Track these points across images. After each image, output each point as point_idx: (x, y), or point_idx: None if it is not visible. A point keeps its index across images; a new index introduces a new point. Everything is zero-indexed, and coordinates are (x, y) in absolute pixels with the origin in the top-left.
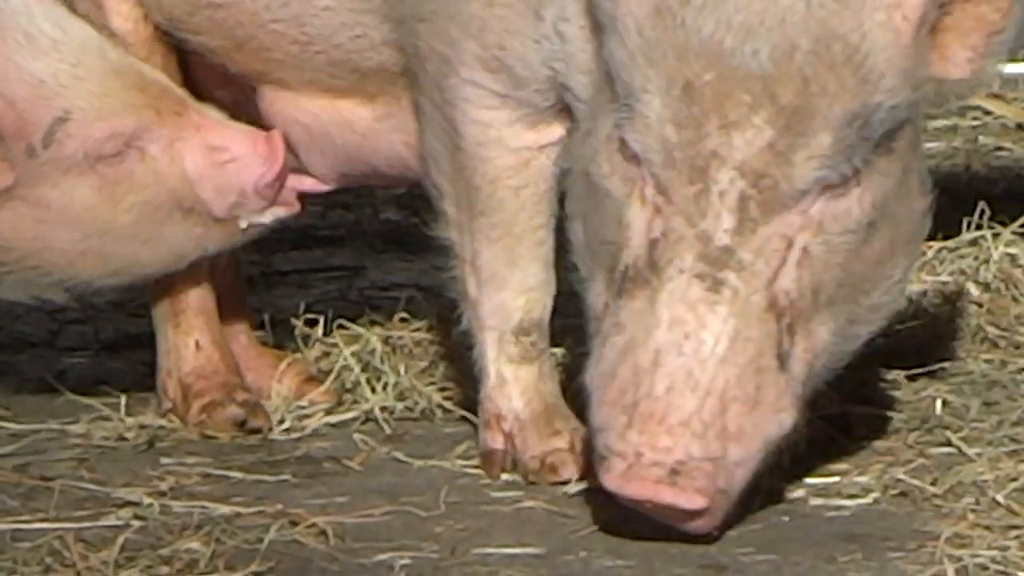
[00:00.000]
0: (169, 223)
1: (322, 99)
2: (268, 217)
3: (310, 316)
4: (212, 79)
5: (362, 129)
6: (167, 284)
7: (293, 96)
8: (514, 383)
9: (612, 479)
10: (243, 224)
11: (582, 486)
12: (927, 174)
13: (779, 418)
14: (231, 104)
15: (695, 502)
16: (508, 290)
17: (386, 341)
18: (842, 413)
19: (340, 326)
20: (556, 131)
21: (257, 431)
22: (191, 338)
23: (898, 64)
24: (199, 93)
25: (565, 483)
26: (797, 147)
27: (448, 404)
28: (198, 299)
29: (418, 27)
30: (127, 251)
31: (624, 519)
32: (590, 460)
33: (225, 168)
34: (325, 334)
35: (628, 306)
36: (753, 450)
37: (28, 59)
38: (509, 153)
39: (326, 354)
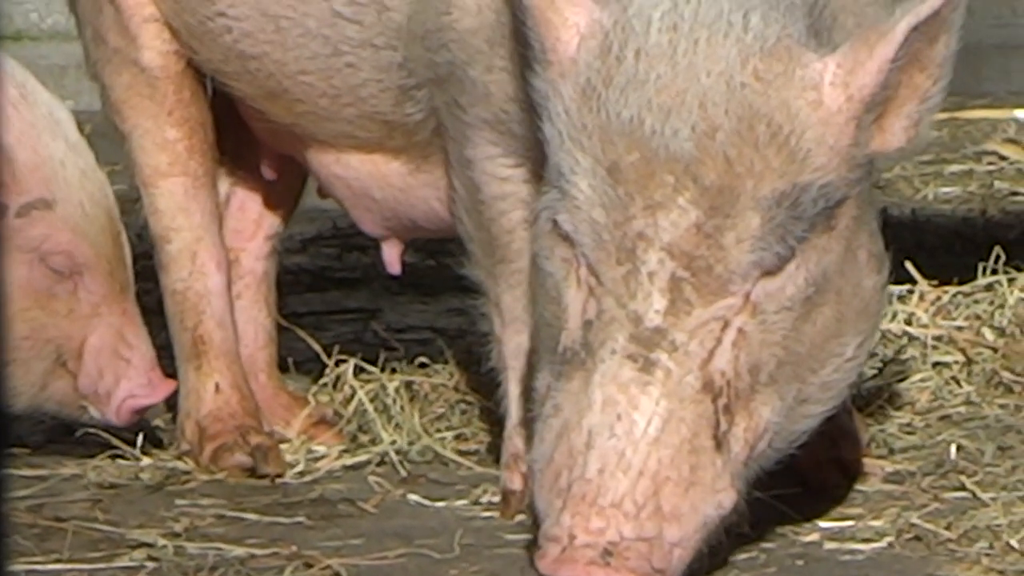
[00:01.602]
0: (42, 359)
1: (360, 154)
2: (98, 415)
3: (326, 358)
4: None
5: (398, 183)
6: (189, 324)
7: (334, 152)
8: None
9: (546, 564)
10: (87, 409)
11: None
12: (883, 250)
13: (717, 498)
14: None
15: None
16: (528, 333)
17: (402, 384)
18: (856, 458)
19: (356, 368)
20: None
21: (267, 476)
22: (211, 380)
23: (828, 142)
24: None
25: None
26: (725, 228)
27: (463, 447)
28: (220, 340)
29: (435, 90)
30: None
31: None
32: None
33: (117, 362)
34: (340, 377)
35: (565, 388)
36: (690, 530)
37: (48, 136)
38: (526, 207)
39: (341, 397)
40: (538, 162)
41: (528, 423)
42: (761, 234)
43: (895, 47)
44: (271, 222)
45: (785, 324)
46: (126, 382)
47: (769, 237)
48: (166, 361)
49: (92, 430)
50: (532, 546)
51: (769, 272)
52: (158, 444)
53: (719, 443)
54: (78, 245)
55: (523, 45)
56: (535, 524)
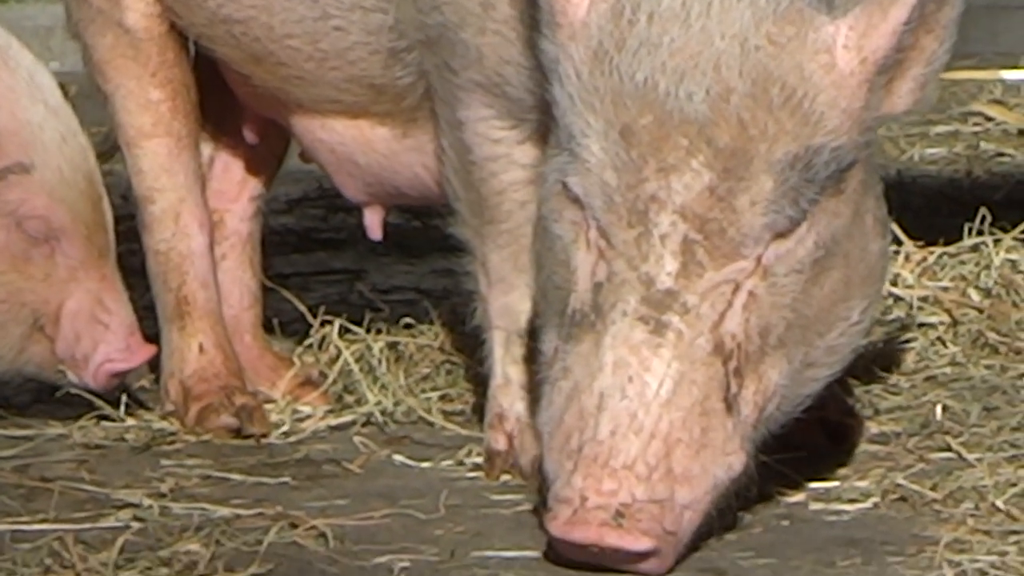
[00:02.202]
0: (19, 323)
1: (344, 119)
2: (76, 379)
3: (311, 319)
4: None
5: (382, 149)
6: (172, 285)
7: (319, 118)
8: (518, 384)
9: (558, 526)
10: (65, 373)
11: None
12: (887, 215)
13: (727, 461)
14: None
15: (641, 544)
16: (515, 293)
17: (387, 345)
18: (842, 418)
19: (342, 329)
20: None
21: (252, 437)
22: (195, 340)
23: (840, 105)
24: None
25: None
26: (738, 191)
27: (448, 408)
28: (203, 300)
29: (425, 52)
30: None
31: None
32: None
33: (94, 327)
34: (325, 337)
35: (574, 351)
36: (701, 493)
37: (28, 101)
38: (517, 169)
39: (327, 357)
40: (533, 125)
41: (509, 384)
42: (774, 197)
43: (908, 10)
44: (255, 183)
45: (795, 287)
46: (104, 346)
47: (782, 200)
48: (150, 322)
49: (77, 391)
50: (542, 508)
51: (780, 235)
52: (143, 405)
53: (729, 406)
54: (55, 210)
55: (532, 8)
56: (544, 487)
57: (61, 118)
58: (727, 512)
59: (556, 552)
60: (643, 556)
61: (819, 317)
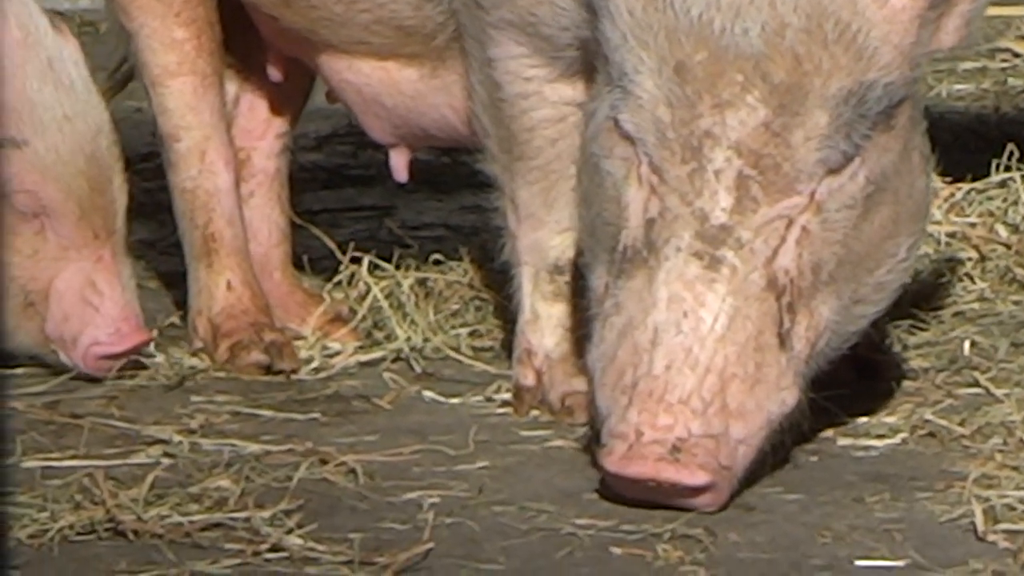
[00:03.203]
0: (8, 297)
1: (371, 61)
2: (66, 359)
3: (340, 256)
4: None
5: (409, 91)
6: (199, 222)
7: (347, 59)
8: (547, 320)
9: (613, 461)
10: (57, 353)
11: None
12: (930, 152)
13: (781, 396)
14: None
15: (698, 478)
16: (544, 230)
17: (417, 281)
18: (872, 354)
19: (371, 265)
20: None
21: (282, 373)
22: (223, 278)
23: (893, 40)
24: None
25: (583, 425)
26: (793, 127)
27: (477, 344)
28: (231, 238)
29: None
30: None
31: None
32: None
33: (84, 308)
34: (354, 274)
35: (627, 286)
36: (755, 427)
37: (36, 79)
38: (548, 106)
39: (356, 294)
40: (565, 63)
41: (538, 319)
42: (828, 132)
43: None
44: (281, 121)
45: (847, 223)
46: (91, 329)
47: (835, 135)
48: (177, 259)
49: None
50: (595, 445)
51: (833, 171)
52: (173, 342)
53: (782, 341)
54: (45, 187)
55: None
56: (596, 423)
57: (72, 98)
58: (780, 448)
59: (609, 488)
60: (699, 490)
61: (868, 253)
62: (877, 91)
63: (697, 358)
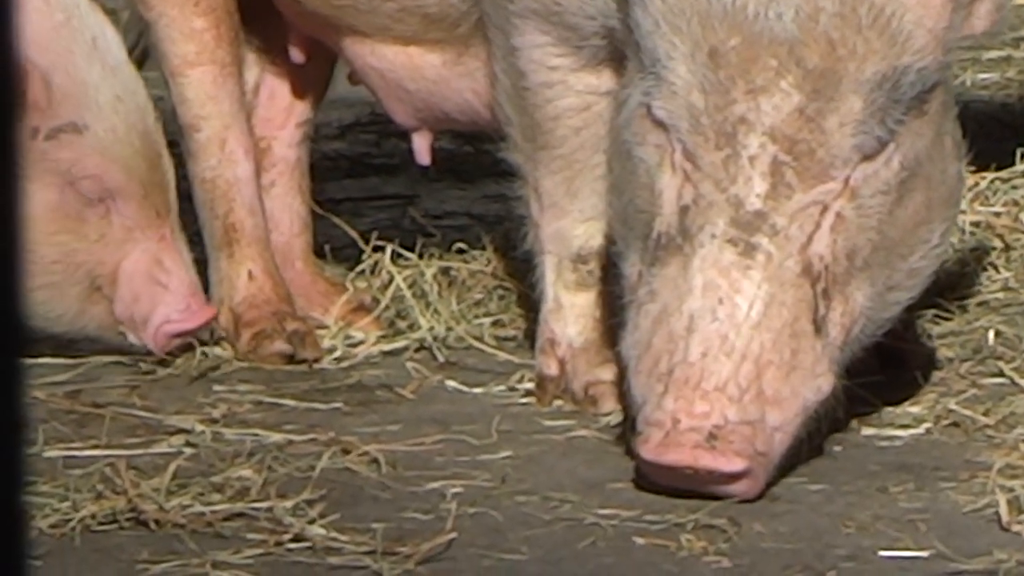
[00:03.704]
0: (75, 284)
1: (395, 46)
2: (136, 341)
3: (363, 244)
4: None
5: (432, 76)
6: (219, 212)
7: (370, 43)
8: (570, 309)
9: (650, 449)
10: (125, 335)
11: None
12: (961, 138)
13: (817, 383)
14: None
15: (735, 465)
16: (567, 219)
17: (440, 270)
18: (895, 344)
19: (394, 254)
20: (618, 79)
21: (305, 362)
22: (244, 267)
23: (927, 25)
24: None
25: (606, 415)
26: (827, 112)
27: (500, 333)
28: (251, 227)
29: None
30: (29, 282)
31: None
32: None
33: (153, 288)
34: (377, 263)
35: (661, 274)
36: (791, 414)
37: (85, 60)
38: (573, 95)
39: (379, 283)
40: (590, 52)
41: (561, 308)
42: (863, 117)
43: None
44: (301, 109)
45: (881, 208)
46: (162, 307)
47: (870, 121)
48: (198, 249)
49: None
50: (630, 433)
51: (868, 156)
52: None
53: (818, 327)
54: (109, 169)
55: None
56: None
57: (119, 78)
58: (815, 435)
59: (643, 477)
60: (735, 477)
61: (902, 239)
62: (911, 76)
63: (733, 345)
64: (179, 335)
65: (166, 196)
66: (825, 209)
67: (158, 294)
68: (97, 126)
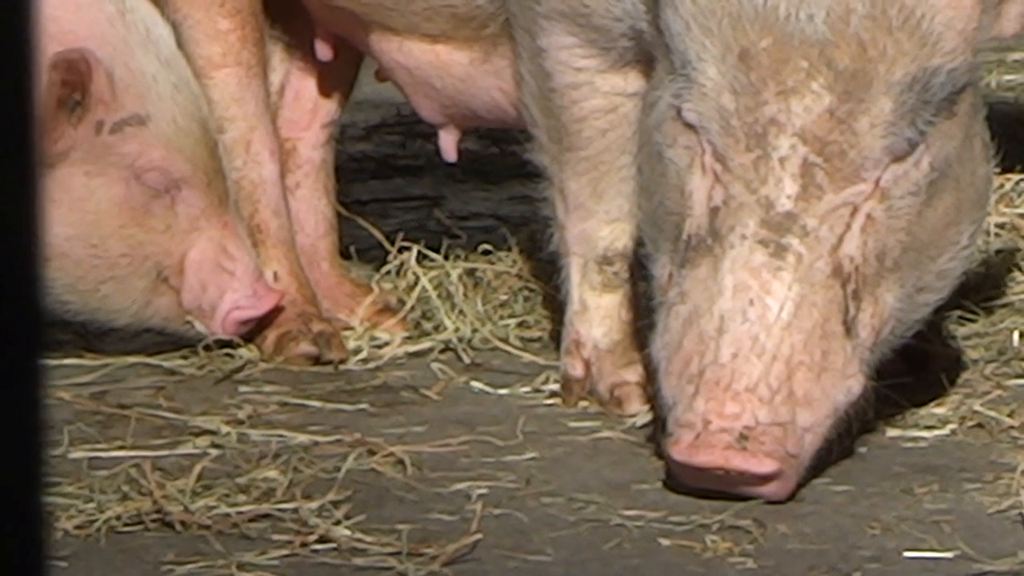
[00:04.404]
0: (143, 276)
1: (422, 43)
2: (204, 329)
3: (389, 246)
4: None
5: (459, 74)
6: (245, 213)
7: (397, 40)
8: (595, 310)
9: (680, 450)
10: (193, 324)
11: (652, 417)
12: (989, 140)
13: (847, 384)
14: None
15: (766, 466)
16: (593, 220)
17: (465, 271)
18: (920, 346)
19: (419, 255)
20: (645, 82)
21: (331, 363)
22: (269, 269)
23: (957, 26)
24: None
25: (632, 416)
26: (858, 113)
27: (526, 334)
28: (276, 228)
29: None
30: (95, 276)
31: None
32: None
33: (220, 275)
34: (403, 264)
35: (691, 275)
36: (822, 416)
37: (141, 51)
38: (599, 96)
39: (404, 284)
40: (617, 53)
41: (586, 310)
42: (893, 119)
43: None
44: (326, 110)
45: (911, 210)
46: (230, 294)
47: (901, 122)
48: None
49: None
50: (660, 435)
51: (898, 158)
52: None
53: (848, 329)
54: (173, 160)
55: None
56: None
57: (174, 68)
58: (845, 436)
59: (674, 479)
60: (766, 479)
61: (932, 241)
62: (941, 77)
63: (764, 346)
64: (247, 321)
65: (225, 183)
66: (855, 210)
67: (225, 281)
68: (159, 117)
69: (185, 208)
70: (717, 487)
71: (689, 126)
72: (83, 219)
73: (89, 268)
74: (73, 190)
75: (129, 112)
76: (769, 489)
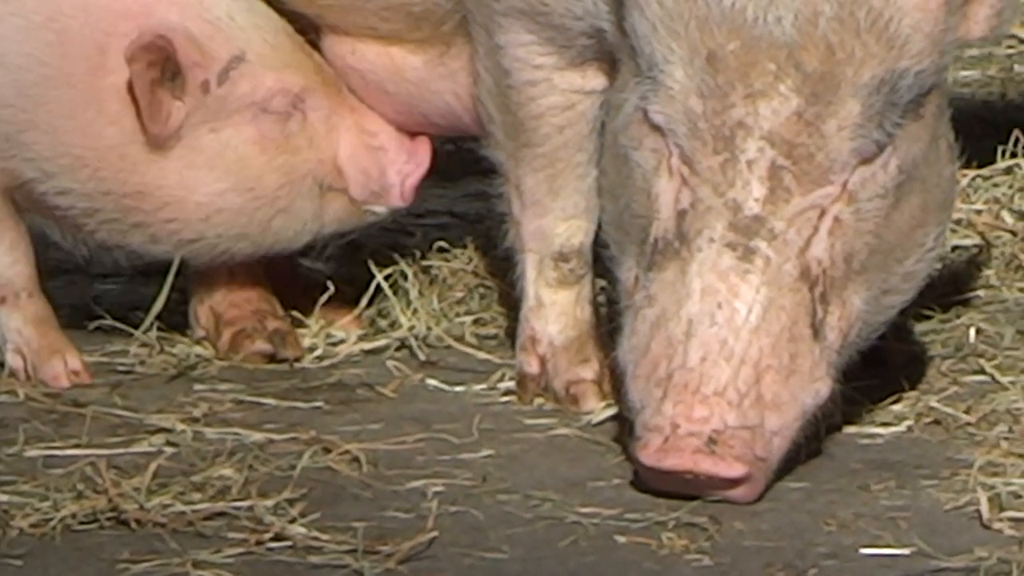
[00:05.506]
0: (307, 195)
1: (376, 46)
2: (385, 208)
3: (343, 243)
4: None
5: (413, 77)
6: None
7: (351, 43)
8: (551, 307)
9: (649, 454)
10: (368, 211)
11: (608, 414)
12: (954, 141)
13: (815, 387)
14: None
15: (735, 470)
16: (549, 217)
17: (421, 269)
18: (877, 343)
19: (375, 253)
20: (603, 80)
21: (286, 361)
22: (224, 266)
23: (924, 29)
24: None
25: (588, 413)
26: (826, 116)
27: (481, 332)
28: None
29: None
30: (262, 215)
31: None
32: (616, 390)
33: (375, 153)
34: (359, 261)
35: (659, 278)
36: (790, 419)
37: None
38: (557, 93)
39: (360, 281)
40: (575, 52)
41: (542, 307)
42: (861, 121)
43: None
44: None
45: (878, 212)
46: (391, 167)
47: (868, 124)
48: None
49: (107, 320)
50: (628, 438)
51: (865, 160)
52: (175, 330)
53: (816, 331)
54: (284, 77)
55: None
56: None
57: None
58: (813, 439)
59: (643, 481)
60: (735, 483)
61: (898, 243)
62: (908, 79)
63: (732, 350)
64: (420, 179)
65: (326, 68)
66: (823, 213)
67: (382, 158)
68: (252, 47)
69: (315, 114)
70: (685, 491)
71: (656, 128)
72: (229, 170)
73: (253, 211)
74: (207, 150)
75: (225, 59)
76: (738, 493)
